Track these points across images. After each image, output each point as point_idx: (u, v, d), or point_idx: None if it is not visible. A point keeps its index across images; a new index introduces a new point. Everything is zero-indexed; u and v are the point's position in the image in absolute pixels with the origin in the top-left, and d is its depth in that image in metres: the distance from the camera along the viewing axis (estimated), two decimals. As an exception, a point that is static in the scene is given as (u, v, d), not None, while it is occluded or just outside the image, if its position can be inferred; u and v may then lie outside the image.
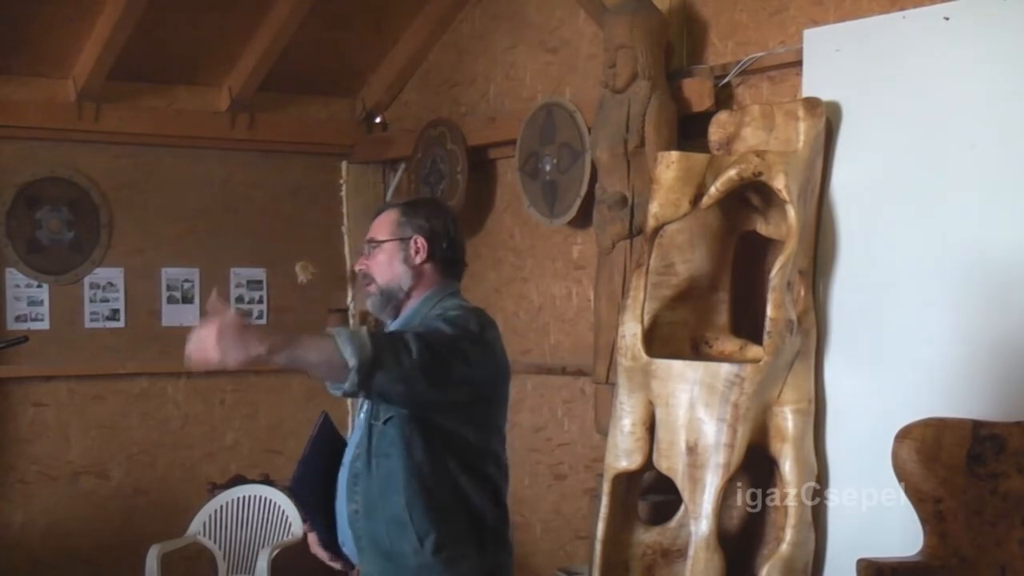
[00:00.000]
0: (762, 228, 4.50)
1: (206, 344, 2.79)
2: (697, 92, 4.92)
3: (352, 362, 2.71)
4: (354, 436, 3.17)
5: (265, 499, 5.72)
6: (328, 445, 3.20)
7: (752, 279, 4.61)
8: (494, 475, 3.11)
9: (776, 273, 4.14)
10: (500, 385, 3.11)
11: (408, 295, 3.13)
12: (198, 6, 5.95)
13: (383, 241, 3.13)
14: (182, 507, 6.17)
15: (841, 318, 4.39)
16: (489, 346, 3.03)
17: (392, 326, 3.15)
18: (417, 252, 3.11)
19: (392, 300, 3.14)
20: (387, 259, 3.13)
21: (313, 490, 3.16)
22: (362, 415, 3.16)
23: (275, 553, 5.38)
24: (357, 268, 3.21)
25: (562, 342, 5.81)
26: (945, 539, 3.75)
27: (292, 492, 3.20)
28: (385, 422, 3.03)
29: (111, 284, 6.37)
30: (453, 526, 3.02)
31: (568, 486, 5.71)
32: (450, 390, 2.93)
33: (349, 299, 6.85)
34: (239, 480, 6.06)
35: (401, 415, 3.00)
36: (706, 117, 4.72)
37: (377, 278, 3.13)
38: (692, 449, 4.19)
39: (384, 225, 3.16)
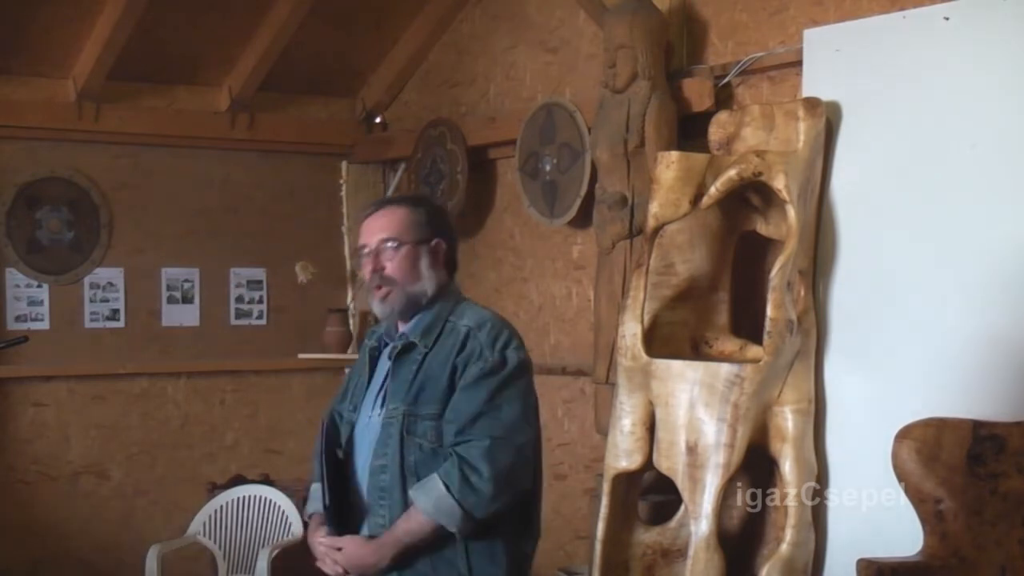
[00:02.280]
0: (762, 228, 4.50)
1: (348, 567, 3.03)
2: (697, 92, 4.92)
3: (454, 530, 2.93)
4: (364, 437, 3.08)
5: (265, 499, 5.72)
6: (331, 448, 3.14)
7: (752, 279, 4.61)
8: (534, 509, 3.14)
9: (776, 273, 4.14)
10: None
11: (430, 300, 3.06)
12: (198, 6, 5.95)
13: (411, 242, 3.02)
14: (182, 507, 6.17)
15: (841, 318, 4.39)
16: (531, 366, 3.13)
17: (407, 330, 3.07)
18: (439, 255, 3.06)
19: (414, 306, 3.06)
20: (410, 262, 3.02)
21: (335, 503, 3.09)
22: (376, 414, 3.06)
23: (275, 553, 5.38)
24: (369, 271, 3.05)
25: (562, 342, 5.81)
26: (945, 539, 3.75)
27: (331, 513, 3.07)
28: (422, 437, 2.98)
29: (111, 284, 6.37)
30: (489, 561, 3.02)
31: (568, 486, 5.70)
32: (533, 445, 3.06)
33: (349, 299, 6.86)
34: (239, 480, 6.06)
35: (447, 432, 2.97)
36: (706, 117, 4.72)
37: (400, 280, 3.02)
38: (692, 449, 4.19)
39: (399, 223, 3.03)
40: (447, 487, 2.89)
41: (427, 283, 3.05)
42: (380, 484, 3.00)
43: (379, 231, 3.05)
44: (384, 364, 3.14)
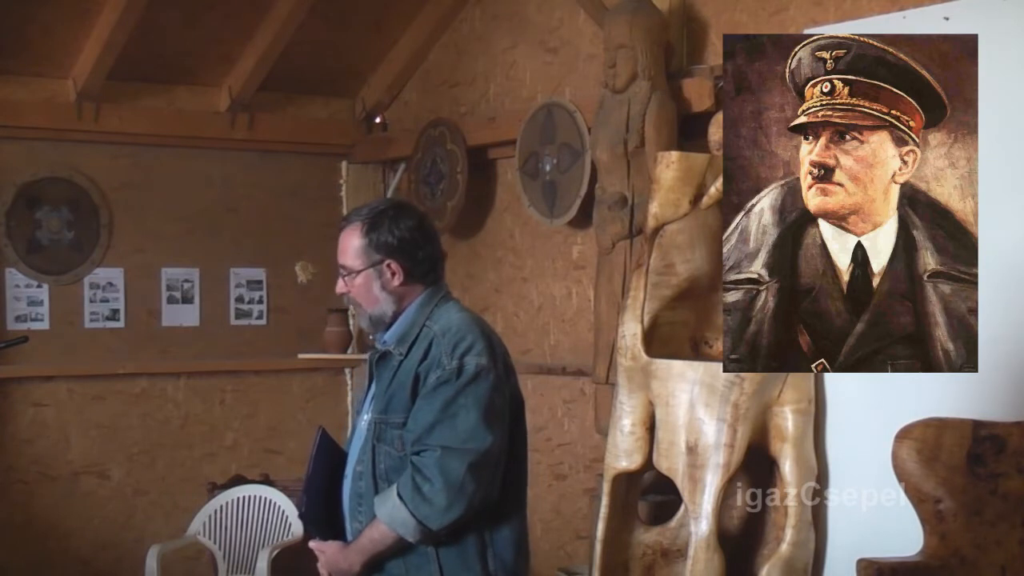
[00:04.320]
0: (762, 228, 4.49)
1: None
2: (697, 92, 4.92)
3: (411, 540, 2.94)
4: (355, 443, 3.12)
5: (265, 499, 5.72)
6: (329, 457, 3.16)
7: (752, 279, 4.60)
8: (513, 514, 3.10)
9: (776, 273, 4.13)
10: (514, 406, 3.10)
11: (396, 316, 3.09)
12: (198, 6, 5.95)
13: (360, 271, 3.08)
14: (182, 507, 6.17)
15: (841, 318, 4.38)
16: (498, 370, 3.03)
17: (387, 337, 3.10)
18: (394, 275, 3.06)
19: (381, 323, 3.11)
20: (365, 287, 3.08)
21: (322, 510, 3.12)
22: (364, 420, 3.11)
23: (275, 553, 5.38)
24: (338, 292, 3.17)
25: (562, 342, 5.81)
26: (945, 539, 3.75)
27: (305, 520, 3.17)
28: (390, 445, 3.00)
29: (111, 284, 6.37)
30: (462, 566, 3.01)
31: (568, 486, 5.71)
32: (499, 451, 2.99)
33: (349, 299, 6.85)
34: (239, 480, 6.06)
35: (407, 441, 2.97)
36: (706, 117, 4.72)
37: (363, 304, 3.10)
38: (692, 449, 4.19)
39: (351, 250, 3.09)
40: (401, 497, 2.92)
41: (384, 305, 3.08)
42: (358, 490, 3.05)
43: (340, 255, 3.15)
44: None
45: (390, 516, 2.93)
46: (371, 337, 3.32)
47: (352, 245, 3.10)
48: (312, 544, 3.12)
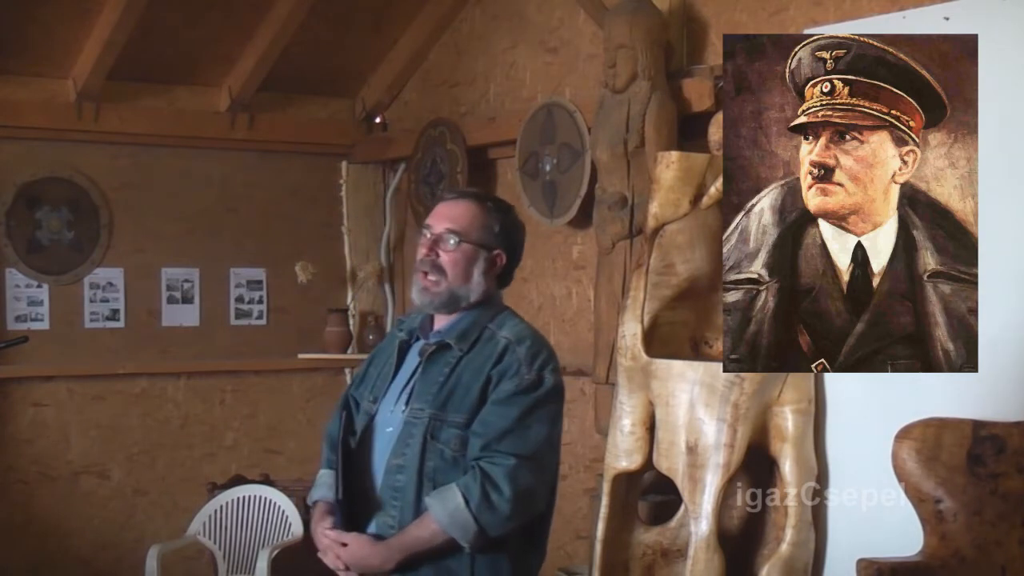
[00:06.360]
0: (762, 228, 4.49)
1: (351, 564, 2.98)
2: (697, 92, 4.92)
3: (465, 545, 2.89)
4: (380, 434, 3.02)
5: (265, 499, 5.72)
6: (345, 437, 3.09)
7: (752, 279, 4.60)
8: (544, 528, 3.09)
9: (776, 273, 4.13)
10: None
11: (468, 306, 3.02)
12: (198, 6, 5.95)
13: (473, 243, 2.98)
14: (182, 507, 6.17)
15: (841, 318, 4.38)
16: (562, 397, 3.07)
17: (445, 330, 3.02)
18: (494, 266, 3.01)
19: (455, 304, 3.01)
20: (466, 262, 2.98)
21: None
22: (400, 411, 3.00)
23: (275, 553, 5.38)
24: (423, 254, 3.00)
25: (562, 342, 5.81)
26: (945, 539, 3.75)
27: (338, 505, 3.01)
28: (445, 444, 2.93)
29: (111, 284, 6.37)
30: (494, 572, 2.98)
31: (568, 486, 5.70)
32: (554, 471, 3.03)
33: (349, 299, 6.86)
34: (239, 480, 6.06)
35: (472, 444, 2.92)
36: (706, 117, 4.72)
37: (450, 276, 2.98)
38: (692, 449, 4.19)
39: (471, 220, 2.99)
40: (466, 501, 2.85)
41: (474, 288, 3.00)
42: (394, 484, 2.95)
43: (448, 220, 3.00)
44: (413, 360, 3.08)
45: (451, 518, 2.86)
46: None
47: (473, 216, 3.00)
48: (330, 533, 2.97)
